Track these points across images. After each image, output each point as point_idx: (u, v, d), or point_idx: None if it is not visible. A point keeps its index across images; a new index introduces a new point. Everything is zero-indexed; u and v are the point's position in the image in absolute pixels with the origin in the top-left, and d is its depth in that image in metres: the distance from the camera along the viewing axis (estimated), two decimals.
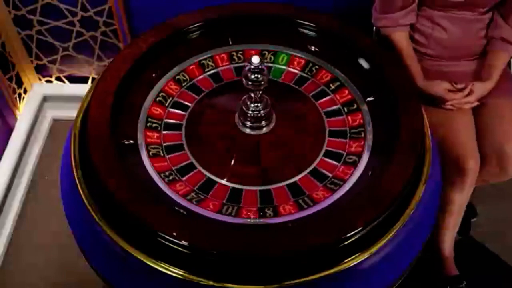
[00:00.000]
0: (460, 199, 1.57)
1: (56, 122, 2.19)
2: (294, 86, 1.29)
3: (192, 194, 1.08)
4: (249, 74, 1.11)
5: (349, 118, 1.21)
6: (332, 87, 1.27)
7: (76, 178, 1.09)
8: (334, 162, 1.14)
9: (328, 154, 1.15)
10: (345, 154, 1.15)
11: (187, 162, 1.14)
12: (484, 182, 1.63)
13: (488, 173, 1.55)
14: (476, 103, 1.55)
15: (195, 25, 1.35)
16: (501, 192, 1.91)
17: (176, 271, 0.97)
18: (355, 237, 0.97)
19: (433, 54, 1.59)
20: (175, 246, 0.96)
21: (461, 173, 1.50)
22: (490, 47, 1.58)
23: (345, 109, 1.23)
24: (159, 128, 1.19)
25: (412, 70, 1.54)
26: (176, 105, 1.24)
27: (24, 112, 2.06)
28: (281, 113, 1.22)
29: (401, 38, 1.55)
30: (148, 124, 1.19)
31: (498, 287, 1.76)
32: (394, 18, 1.52)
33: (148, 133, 1.18)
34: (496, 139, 1.52)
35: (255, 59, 1.10)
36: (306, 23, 1.37)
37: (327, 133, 1.19)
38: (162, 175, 1.10)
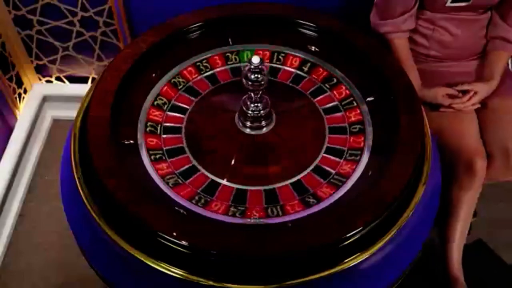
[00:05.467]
0: (468, 202, 1.55)
1: (56, 122, 2.19)
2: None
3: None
4: (249, 74, 1.11)
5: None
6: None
7: (76, 178, 1.09)
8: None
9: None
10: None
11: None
12: (491, 181, 1.62)
13: (494, 171, 1.55)
14: (478, 105, 1.55)
15: (195, 25, 1.36)
16: (501, 192, 1.91)
17: (176, 271, 0.97)
18: (355, 237, 0.97)
19: (434, 55, 1.60)
20: (175, 246, 0.96)
21: (470, 173, 1.49)
22: (490, 47, 1.58)
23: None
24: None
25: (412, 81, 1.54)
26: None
27: (24, 112, 2.06)
28: (281, 113, 1.22)
29: (401, 45, 1.55)
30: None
31: (496, 287, 1.76)
32: (396, 24, 1.51)
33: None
34: (500, 137, 1.52)
35: (255, 59, 1.10)
36: (306, 23, 1.37)
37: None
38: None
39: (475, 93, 1.52)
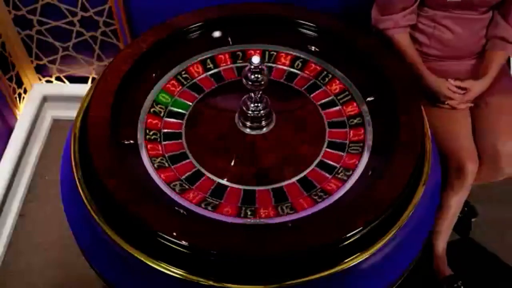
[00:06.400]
0: (456, 201, 1.58)
1: (56, 122, 2.19)
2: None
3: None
4: (249, 74, 1.11)
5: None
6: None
7: (76, 178, 1.09)
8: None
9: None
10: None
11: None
12: (480, 181, 1.63)
13: (482, 171, 1.55)
14: (471, 104, 1.55)
15: (195, 25, 1.36)
16: (501, 192, 1.91)
17: (176, 271, 0.97)
18: (355, 237, 0.97)
19: (434, 53, 1.59)
20: (175, 246, 0.96)
21: (460, 175, 1.50)
22: (489, 46, 1.58)
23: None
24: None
25: (419, 67, 1.54)
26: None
27: (24, 112, 2.06)
28: (281, 113, 1.22)
29: (402, 38, 1.55)
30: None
31: (497, 287, 1.76)
32: (395, 20, 1.52)
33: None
34: (489, 137, 1.51)
35: (255, 59, 1.10)
36: (306, 23, 1.37)
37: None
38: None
39: (468, 90, 1.52)
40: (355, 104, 1.24)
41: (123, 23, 1.83)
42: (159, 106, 1.23)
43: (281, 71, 1.31)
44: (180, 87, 1.27)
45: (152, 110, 1.22)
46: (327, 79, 1.29)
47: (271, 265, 0.96)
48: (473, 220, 1.87)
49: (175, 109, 1.23)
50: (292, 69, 1.32)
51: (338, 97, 1.25)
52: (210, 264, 0.96)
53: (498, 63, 1.56)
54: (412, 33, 1.58)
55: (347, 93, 1.25)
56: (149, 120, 1.20)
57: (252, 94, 1.16)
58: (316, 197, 1.07)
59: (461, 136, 1.51)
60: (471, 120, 1.57)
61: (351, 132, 1.19)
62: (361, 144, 1.16)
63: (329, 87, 1.27)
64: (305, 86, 1.28)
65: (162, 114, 1.22)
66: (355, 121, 1.21)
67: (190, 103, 1.25)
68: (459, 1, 1.49)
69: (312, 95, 1.26)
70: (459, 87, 1.53)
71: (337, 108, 1.24)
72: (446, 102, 1.53)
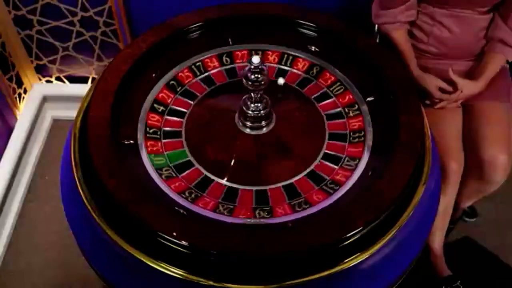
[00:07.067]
0: (444, 201, 1.56)
1: (56, 122, 2.19)
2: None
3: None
4: (249, 74, 1.11)
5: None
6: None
7: (76, 178, 1.09)
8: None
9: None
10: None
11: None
12: (474, 194, 1.62)
13: (472, 180, 1.53)
14: (461, 100, 1.55)
15: (195, 25, 1.36)
16: (500, 193, 1.91)
17: (176, 271, 0.97)
18: (355, 237, 0.97)
19: (432, 51, 1.59)
20: (175, 246, 0.96)
21: (443, 174, 1.49)
22: (488, 48, 1.57)
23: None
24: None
25: (410, 64, 1.54)
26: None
27: (24, 112, 2.06)
28: (281, 113, 1.22)
29: (399, 34, 1.55)
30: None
31: (496, 286, 1.76)
32: (394, 14, 1.52)
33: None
34: (479, 144, 1.50)
35: (255, 59, 1.10)
36: (306, 23, 1.37)
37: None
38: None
39: (461, 89, 1.52)
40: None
41: (123, 23, 1.83)
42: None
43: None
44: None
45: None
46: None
47: (271, 265, 0.97)
48: (472, 220, 1.88)
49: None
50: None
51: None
52: (210, 264, 0.96)
53: (495, 65, 1.54)
54: (411, 30, 1.58)
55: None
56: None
57: (252, 94, 1.16)
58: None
59: (447, 136, 1.51)
60: (462, 119, 1.56)
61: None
62: (361, 145, 1.16)
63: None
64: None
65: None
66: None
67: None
68: None
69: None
70: (450, 85, 1.52)
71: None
72: (437, 105, 1.53)
